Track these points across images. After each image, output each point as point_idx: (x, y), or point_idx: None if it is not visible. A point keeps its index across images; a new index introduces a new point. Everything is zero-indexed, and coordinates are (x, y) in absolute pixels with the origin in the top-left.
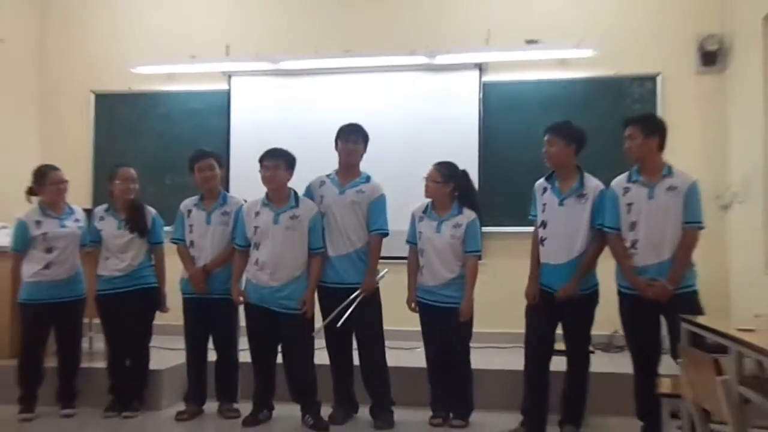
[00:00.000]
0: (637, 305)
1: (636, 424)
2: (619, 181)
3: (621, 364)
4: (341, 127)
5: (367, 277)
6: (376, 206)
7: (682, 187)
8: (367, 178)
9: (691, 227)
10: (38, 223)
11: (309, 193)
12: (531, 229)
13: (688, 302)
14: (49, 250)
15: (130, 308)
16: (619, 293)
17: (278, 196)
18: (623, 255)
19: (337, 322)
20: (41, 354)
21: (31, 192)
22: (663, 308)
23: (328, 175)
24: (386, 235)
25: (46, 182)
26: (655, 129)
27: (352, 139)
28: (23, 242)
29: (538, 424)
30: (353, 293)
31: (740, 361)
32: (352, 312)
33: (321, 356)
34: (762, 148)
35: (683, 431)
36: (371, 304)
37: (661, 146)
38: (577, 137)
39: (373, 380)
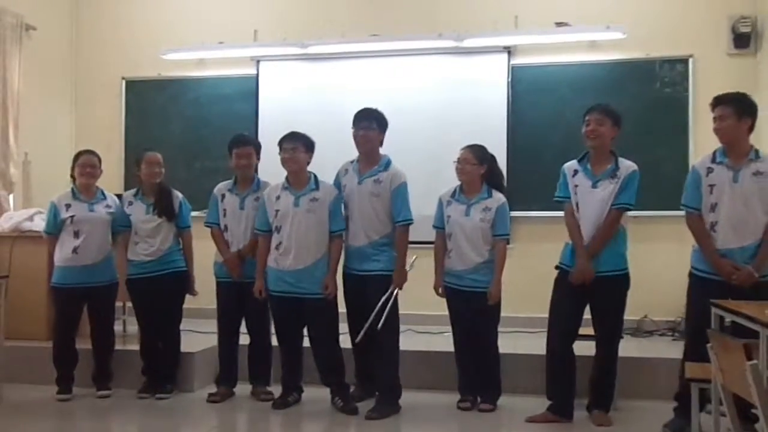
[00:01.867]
0: (713, 289)
1: (664, 407)
2: (703, 161)
3: (649, 348)
4: (355, 113)
5: (396, 272)
6: (398, 195)
7: None
8: (387, 165)
9: None
10: (68, 206)
11: (337, 181)
12: (559, 213)
13: None
14: (76, 234)
15: (160, 292)
16: (693, 276)
17: (298, 179)
18: (705, 236)
19: (377, 324)
20: (74, 336)
21: (73, 177)
22: (743, 295)
23: (351, 162)
24: (411, 224)
25: (76, 164)
26: (748, 111)
27: (362, 125)
28: (54, 225)
29: (565, 408)
30: (368, 281)
31: None
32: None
33: (344, 339)
34: None
35: (713, 416)
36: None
37: (752, 129)
38: (620, 121)
39: (381, 368)
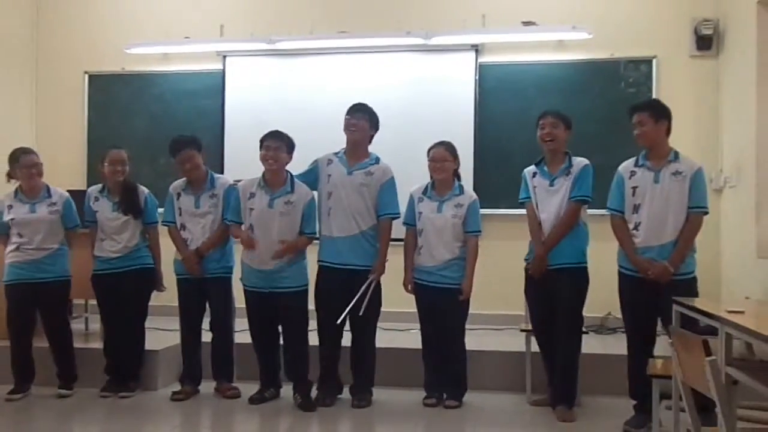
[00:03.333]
0: (637, 286)
1: (628, 405)
2: (626, 165)
3: (613, 345)
4: (351, 105)
5: (378, 262)
6: (387, 189)
7: (688, 172)
8: (377, 159)
9: (695, 212)
10: (9, 207)
11: (316, 169)
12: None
13: (688, 288)
14: (20, 235)
15: (127, 288)
16: (620, 274)
17: (275, 179)
18: (626, 236)
19: (359, 311)
20: (29, 335)
21: (10, 176)
22: (662, 291)
23: (336, 153)
24: (397, 217)
25: (18, 166)
26: (663, 114)
27: (356, 115)
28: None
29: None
30: (354, 276)
31: (729, 343)
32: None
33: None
34: (754, 133)
35: (673, 411)
36: (376, 288)
37: (668, 131)
38: (571, 124)
39: (362, 362)
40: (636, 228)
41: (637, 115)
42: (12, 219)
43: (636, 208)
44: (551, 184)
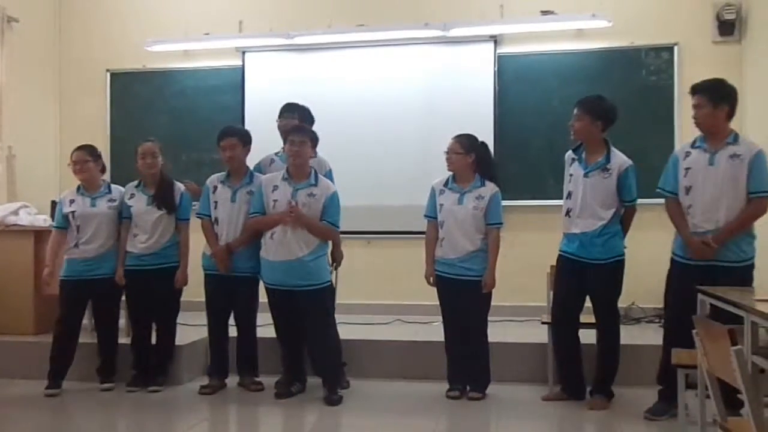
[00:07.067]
0: (689, 274)
1: (652, 395)
2: (683, 146)
3: (637, 336)
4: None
5: (336, 251)
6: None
7: (746, 155)
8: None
9: (758, 197)
10: (71, 201)
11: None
12: (546, 202)
13: (742, 275)
14: (78, 229)
15: (159, 285)
16: (673, 261)
17: (299, 172)
18: (680, 218)
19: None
20: (76, 330)
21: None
22: (716, 279)
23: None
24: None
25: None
26: (724, 97)
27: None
28: (59, 219)
29: (577, 389)
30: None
31: (755, 331)
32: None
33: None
34: None
35: (699, 401)
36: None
37: (731, 115)
38: (604, 113)
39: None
40: (687, 211)
41: (696, 97)
42: (73, 211)
43: (687, 190)
44: (585, 176)
